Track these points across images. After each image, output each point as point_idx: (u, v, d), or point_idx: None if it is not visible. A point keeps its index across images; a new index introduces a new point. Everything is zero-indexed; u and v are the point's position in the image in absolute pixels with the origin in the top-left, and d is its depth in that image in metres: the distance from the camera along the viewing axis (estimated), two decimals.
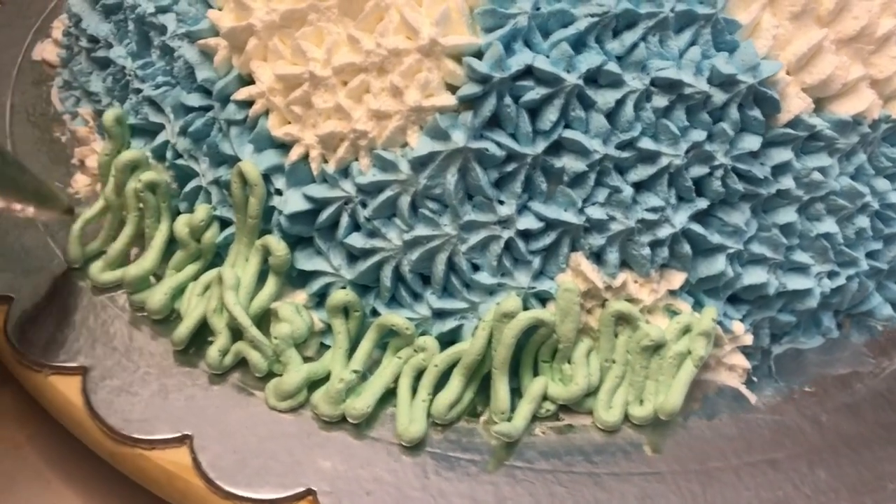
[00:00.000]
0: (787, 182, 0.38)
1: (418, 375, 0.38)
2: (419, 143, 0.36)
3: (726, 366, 0.40)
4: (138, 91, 0.42)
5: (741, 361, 0.40)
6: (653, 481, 0.37)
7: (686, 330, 0.38)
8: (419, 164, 0.36)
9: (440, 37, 0.35)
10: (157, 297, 0.40)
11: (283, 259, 0.39)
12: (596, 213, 0.36)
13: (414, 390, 0.38)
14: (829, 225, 0.40)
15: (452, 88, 0.36)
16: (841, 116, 0.38)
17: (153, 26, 0.41)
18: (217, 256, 0.41)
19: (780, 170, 0.38)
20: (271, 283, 0.39)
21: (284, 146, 0.38)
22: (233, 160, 0.39)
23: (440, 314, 0.38)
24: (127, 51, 0.43)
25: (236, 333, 0.39)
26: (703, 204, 0.37)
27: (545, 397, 0.38)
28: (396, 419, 0.37)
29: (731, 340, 0.40)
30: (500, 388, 0.37)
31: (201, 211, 0.40)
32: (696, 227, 0.37)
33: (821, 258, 0.40)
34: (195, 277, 0.41)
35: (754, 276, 0.39)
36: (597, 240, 0.37)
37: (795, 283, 0.40)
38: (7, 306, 0.41)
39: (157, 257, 0.41)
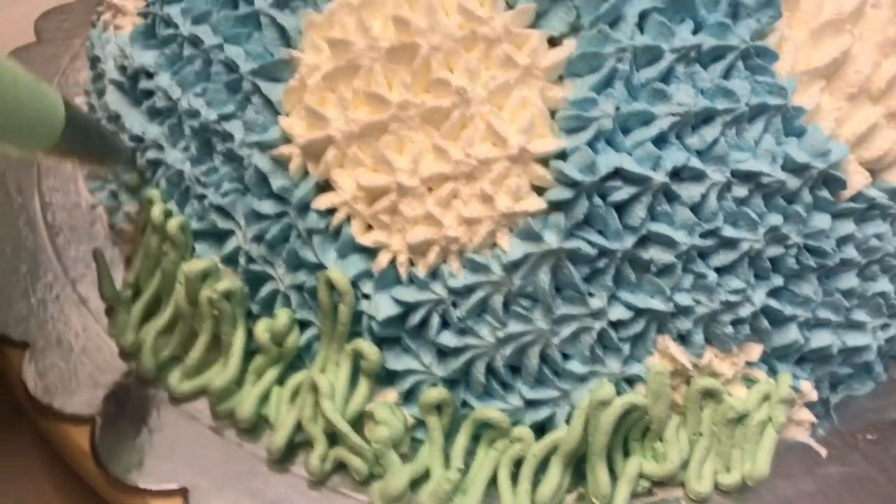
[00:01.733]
0: (850, 251, 0.40)
1: (515, 465, 0.39)
2: (512, 247, 0.37)
3: (794, 422, 0.42)
4: (202, 197, 0.42)
5: (807, 416, 0.42)
6: None
7: (765, 398, 0.40)
8: (512, 265, 0.37)
9: (528, 144, 0.36)
10: (247, 406, 0.40)
11: (376, 362, 0.39)
12: (683, 299, 0.38)
13: (512, 480, 0.39)
14: (883, 284, 0.42)
15: (538, 190, 0.37)
16: (893, 185, 0.40)
17: (216, 133, 0.41)
18: (297, 358, 0.42)
19: (843, 241, 0.40)
20: (364, 386, 0.40)
21: (368, 251, 0.39)
22: (313, 266, 0.39)
23: (532, 403, 0.39)
24: (185, 156, 0.42)
25: (332, 438, 0.39)
26: (778, 281, 0.39)
27: (640, 475, 0.39)
28: None
29: (800, 398, 0.42)
30: (601, 474, 0.39)
31: (283, 316, 0.40)
32: (773, 303, 0.39)
33: (876, 314, 0.43)
34: (278, 381, 0.41)
35: (820, 339, 0.41)
36: (684, 324, 0.38)
37: (855, 339, 0.42)
38: (92, 427, 0.40)
39: (239, 364, 0.41)
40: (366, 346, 0.39)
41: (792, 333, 0.40)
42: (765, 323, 0.39)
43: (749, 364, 0.40)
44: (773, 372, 0.41)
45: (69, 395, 0.41)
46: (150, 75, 0.43)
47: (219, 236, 0.42)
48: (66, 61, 0.59)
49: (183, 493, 0.38)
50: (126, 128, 0.45)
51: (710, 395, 0.40)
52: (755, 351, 0.40)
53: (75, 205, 0.50)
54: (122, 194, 0.47)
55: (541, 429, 0.40)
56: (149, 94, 0.44)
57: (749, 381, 0.41)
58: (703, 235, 0.37)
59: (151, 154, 0.44)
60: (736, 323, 0.39)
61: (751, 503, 0.40)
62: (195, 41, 0.41)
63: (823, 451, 0.42)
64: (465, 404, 0.40)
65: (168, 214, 0.43)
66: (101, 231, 0.49)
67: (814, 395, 0.42)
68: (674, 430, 0.39)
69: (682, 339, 0.39)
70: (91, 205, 0.50)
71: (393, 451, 0.39)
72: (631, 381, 0.39)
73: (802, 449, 0.42)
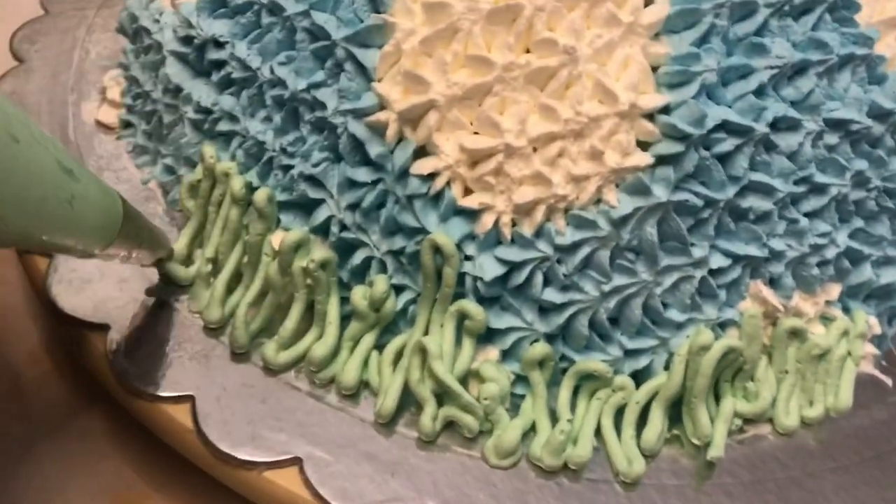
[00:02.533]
0: None
1: (617, 413, 0.41)
2: (621, 202, 0.37)
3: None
4: (287, 168, 0.41)
5: (871, 349, 0.45)
6: (841, 474, 0.41)
7: (844, 334, 0.43)
8: (621, 220, 0.38)
9: (637, 100, 0.37)
10: (350, 373, 0.40)
11: (482, 322, 0.40)
12: (777, 244, 0.39)
13: (616, 428, 0.40)
14: None
15: (643, 145, 0.38)
16: None
17: (304, 102, 0.40)
18: (392, 323, 0.42)
19: None
20: (468, 346, 0.40)
21: (470, 213, 0.39)
22: (412, 231, 0.40)
23: (632, 353, 0.41)
24: (268, 126, 0.42)
25: (439, 398, 0.40)
26: (859, 223, 0.41)
27: (735, 414, 0.41)
28: (610, 459, 0.40)
29: (868, 332, 0.44)
30: (702, 416, 0.40)
31: (381, 282, 0.41)
32: (853, 244, 0.41)
33: None
34: (376, 347, 0.42)
35: (888, 275, 0.44)
36: (776, 268, 0.40)
37: None
38: (192, 405, 0.40)
39: (337, 332, 0.41)
40: (471, 306, 0.39)
41: (867, 272, 0.42)
42: (846, 263, 0.41)
43: (828, 303, 0.42)
44: (846, 310, 0.43)
45: (163, 375, 0.41)
46: (220, 45, 0.42)
47: (306, 206, 0.42)
48: (83, 34, 0.57)
49: (298, 462, 0.38)
50: (192, 99, 0.44)
51: (795, 334, 0.42)
52: (835, 290, 0.42)
53: (126, 181, 0.49)
54: (181, 167, 0.46)
55: (636, 377, 0.41)
56: (220, 64, 0.43)
57: (825, 320, 0.43)
58: (797, 182, 0.39)
59: (223, 126, 0.43)
60: (821, 264, 0.41)
61: (833, 434, 0.42)
62: (275, 9, 0.41)
63: (889, 381, 0.45)
64: (563, 358, 0.41)
65: (249, 188, 0.43)
66: (157, 209, 0.48)
67: (878, 329, 0.45)
68: (763, 370, 0.41)
69: (773, 282, 0.41)
70: (142, 181, 0.48)
71: (502, 408, 0.40)
72: (723, 325, 0.41)
73: (870, 380, 0.45)
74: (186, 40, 0.44)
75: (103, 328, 0.42)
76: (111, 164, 0.50)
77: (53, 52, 0.56)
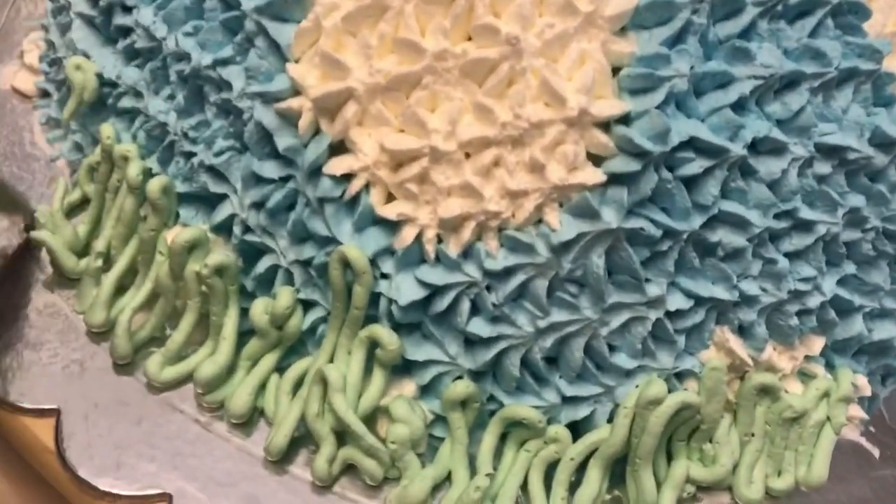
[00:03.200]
0: None
1: (548, 469, 0.35)
2: (564, 225, 0.32)
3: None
4: (189, 155, 0.36)
5: (858, 412, 0.39)
6: None
7: (824, 395, 0.36)
8: (562, 246, 0.32)
9: (589, 105, 0.31)
10: (241, 398, 0.35)
11: (396, 352, 0.34)
12: (749, 287, 0.34)
13: (546, 487, 0.35)
14: None
15: (596, 160, 0.32)
16: None
17: (209, 80, 0.35)
18: (299, 343, 0.36)
19: None
20: (378, 378, 0.35)
21: (390, 224, 0.33)
22: (323, 240, 0.34)
23: (571, 400, 0.35)
24: (171, 106, 0.36)
25: (340, 437, 0.34)
26: (850, 268, 0.35)
27: (687, 480, 0.35)
28: None
29: (855, 394, 0.38)
30: (646, 480, 0.34)
31: (285, 296, 0.35)
32: (842, 292, 0.35)
33: None
34: (276, 369, 0.36)
35: (884, 330, 0.37)
36: (747, 314, 0.34)
37: None
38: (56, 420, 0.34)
39: (231, 350, 0.36)
40: (384, 333, 0.34)
41: (857, 325, 0.36)
42: (832, 314, 0.35)
43: (808, 358, 0.36)
44: (829, 366, 0.37)
45: (29, 384, 0.35)
46: (128, 9, 0.37)
47: (209, 201, 0.36)
48: None
49: (167, 499, 0.33)
50: (97, 70, 0.39)
51: (766, 391, 0.36)
52: (817, 344, 0.36)
53: (31, 157, 0.43)
54: (89, 146, 0.41)
55: (574, 428, 0.35)
56: (126, 31, 0.38)
57: (804, 376, 0.37)
58: (778, 216, 0.33)
59: (127, 102, 0.38)
60: (802, 314, 0.35)
61: None
62: None
63: (876, 452, 0.39)
64: (492, 399, 0.35)
65: (147, 174, 0.37)
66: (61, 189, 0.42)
67: (868, 391, 0.38)
68: (725, 431, 0.35)
69: (743, 330, 0.35)
70: (50, 158, 0.43)
71: (412, 453, 0.34)
72: (681, 376, 0.35)
73: (853, 448, 0.39)
74: (94, 1, 0.38)
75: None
76: (21, 137, 0.44)
77: None
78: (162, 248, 0.36)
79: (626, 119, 0.31)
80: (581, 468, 0.35)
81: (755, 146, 0.32)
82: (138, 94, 0.37)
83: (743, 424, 0.36)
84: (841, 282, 0.35)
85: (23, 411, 0.35)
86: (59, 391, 0.35)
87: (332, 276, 0.33)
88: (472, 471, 0.34)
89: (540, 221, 0.32)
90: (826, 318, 0.35)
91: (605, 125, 0.31)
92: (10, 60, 0.48)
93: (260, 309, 0.35)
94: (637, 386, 0.34)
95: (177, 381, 0.36)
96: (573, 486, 0.35)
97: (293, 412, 0.34)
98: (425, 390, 0.35)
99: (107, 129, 0.38)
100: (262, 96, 0.34)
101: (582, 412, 0.35)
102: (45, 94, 0.45)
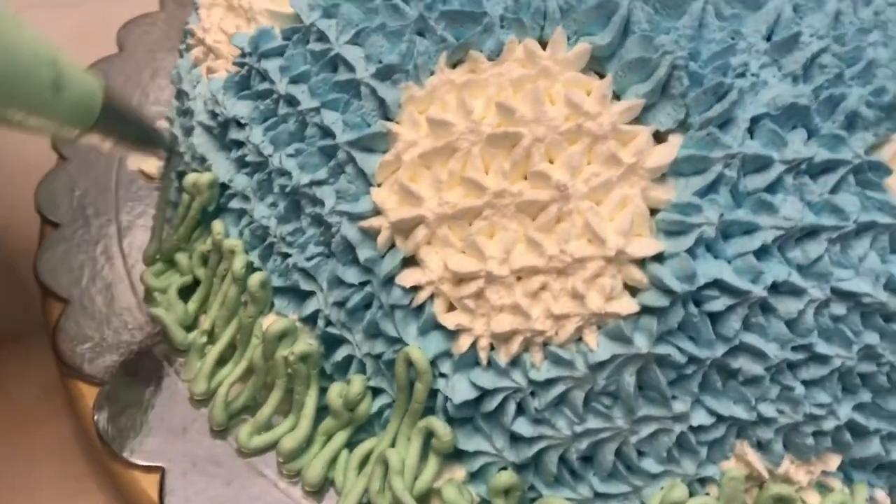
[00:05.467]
0: None
1: None
2: (600, 346, 0.36)
3: None
4: (285, 255, 0.42)
5: None
6: None
7: None
8: (598, 365, 0.36)
9: (626, 246, 0.35)
10: (316, 469, 0.40)
11: (449, 443, 0.39)
12: (767, 409, 0.37)
13: None
14: None
15: (631, 289, 0.36)
16: None
17: (306, 196, 0.41)
18: (367, 423, 0.42)
19: None
20: (433, 463, 0.39)
21: (448, 331, 0.38)
22: (392, 339, 0.39)
23: (602, 496, 0.39)
24: (272, 213, 0.42)
25: None
26: (866, 396, 0.38)
27: None
28: None
29: None
30: None
31: (357, 383, 0.40)
32: (858, 417, 0.38)
33: None
34: (347, 445, 0.41)
35: None
36: (765, 433, 0.38)
37: None
38: (162, 477, 0.41)
39: (311, 425, 0.41)
40: (440, 426, 0.39)
41: (874, 447, 0.39)
42: (847, 436, 0.38)
43: (825, 473, 0.40)
44: (848, 479, 0.40)
45: (140, 443, 0.41)
46: (241, 126, 0.43)
47: (299, 295, 0.42)
48: (147, 77, 0.59)
49: None
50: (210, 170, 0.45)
51: (782, 502, 0.39)
52: (833, 461, 0.39)
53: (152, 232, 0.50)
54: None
55: None
56: (239, 144, 0.44)
57: (823, 488, 0.40)
58: (795, 349, 0.36)
59: (236, 203, 0.44)
60: (818, 434, 0.38)
61: None
62: (291, 101, 0.41)
63: None
64: (532, 488, 0.40)
65: (250, 267, 0.43)
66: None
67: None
68: None
69: (761, 446, 0.38)
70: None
71: None
72: (703, 481, 0.39)
73: None
74: (213, 115, 0.45)
75: (97, 382, 0.43)
76: (148, 212, 0.51)
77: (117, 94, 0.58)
78: (258, 332, 0.42)
79: (660, 257, 0.36)
80: None
81: (775, 287, 0.36)
82: (246, 198, 0.44)
83: None
84: (857, 407, 0.38)
85: (134, 467, 0.41)
86: (164, 450, 0.42)
87: (397, 372, 0.39)
88: None
89: (579, 340, 0.37)
90: (842, 440, 0.38)
91: (642, 261, 0.36)
92: None
93: (335, 393, 0.41)
94: (662, 488, 0.38)
95: (263, 449, 0.42)
96: None
97: (358, 486, 0.40)
98: (474, 476, 0.40)
99: (217, 225, 0.44)
100: (348, 214, 0.39)
101: None
102: None
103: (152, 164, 0.53)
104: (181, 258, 0.47)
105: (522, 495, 0.39)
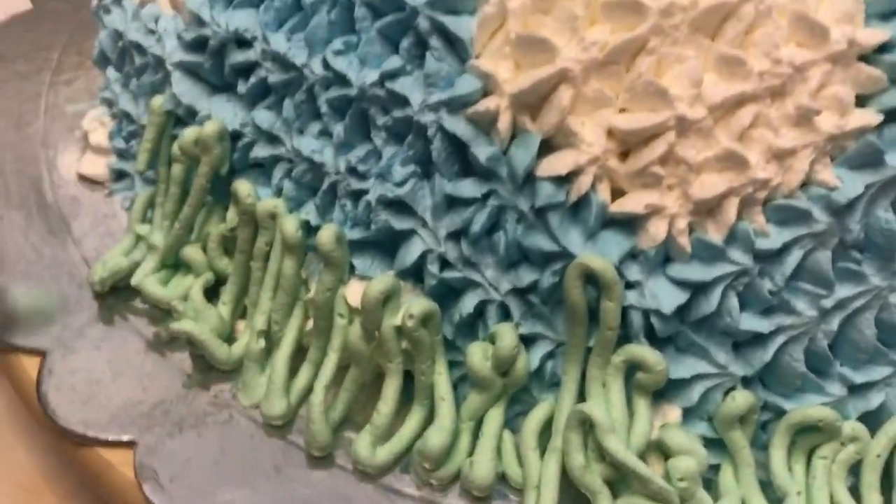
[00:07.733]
0: None
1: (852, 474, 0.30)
2: (846, 180, 0.27)
3: None
4: (359, 194, 0.30)
5: None
6: None
7: None
8: (845, 206, 0.27)
9: (856, 34, 0.26)
10: (483, 466, 0.29)
11: (663, 373, 0.28)
12: None
13: (854, 496, 0.29)
14: None
15: (859, 100, 0.27)
16: None
17: (375, 101, 0.29)
18: (522, 391, 0.31)
19: None
20: (643, 410, 0.29)
21: (627, 223, 0.28)
22: (547, 256, 0.29)
23: (859, 389, 0.30)
24: (324, 143, 0.31)
25: (613, 487, 0.28)
26: None
27: None
28: None
29: None
30: None
31: (508, 334, 0.29)
32: None
33: None
34: (506, 425, 0.30)
35: None
36: None
37: None
38: None
39: (454, 410, 0.30)
40: (647, 353, 0.28)
41: None
42: None
43: None
44: None
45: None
46: (246, 43, 0.32)
47: (386, 246, 0.31)
48: (48, 76, 0.46)
49: None
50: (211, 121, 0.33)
51: None
52: None
53: None
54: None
55: (867, 421, 0.30)
56: (246, 70, 0.32)
57: None
58: None
59: (261, 151, 0.32)
60: None
61: None
62: None
63: None
64: (765, 407, 0.30)
65: (306, 227, 0.31)
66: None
67: None
68: None
69: None
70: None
71: (702, 489, 0.28)
72: None
73: None
74: (196, 45, 0.33)
75: (126, 445, 0.30)
76: (108, 226, 0.38)
77: (15, 102, 0.45)
78: (341, 308, 0.31)
79: (884, 47, 0.27)
80: (888, 466, 0.30)
81: None
82: (274, 139, 0.32)
83: None
84: None
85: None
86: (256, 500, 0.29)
87: (570, 296, 0.28)
88: (768, 497, 0.29)
89: (807, 184, 0.27)
90: None
91: (865, 58, 0.27)
92: (67, 148, 0.42)
93: (479, 356, 0.29)
94: None
95: (394, 460, 0.30)
96: (886, 490, 0.29)
97: (550, 468, 0.29)
98: (690, 413, 0.30)
99: (244, 186, 0.32)
100: (447, 104, 0.28)
101: (874, 401, 0.30)
102: (119, 175, 0.40)
103: (97, 165, 0.40)
104: (192, 253, 0.34)
105: (756, 421, 0.29)
